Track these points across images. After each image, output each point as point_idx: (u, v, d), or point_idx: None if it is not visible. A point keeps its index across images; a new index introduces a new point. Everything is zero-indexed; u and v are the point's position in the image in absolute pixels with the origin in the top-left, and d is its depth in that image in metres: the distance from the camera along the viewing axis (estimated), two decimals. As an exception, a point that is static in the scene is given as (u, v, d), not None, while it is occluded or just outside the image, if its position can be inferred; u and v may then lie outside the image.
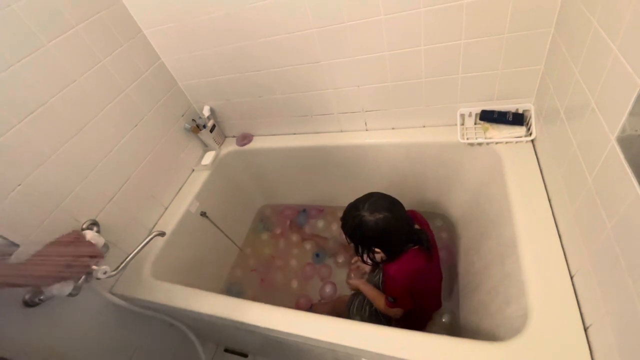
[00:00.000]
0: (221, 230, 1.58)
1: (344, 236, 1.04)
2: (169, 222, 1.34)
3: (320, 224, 1.80)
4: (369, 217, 0.93)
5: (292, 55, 1.22)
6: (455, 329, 1.21)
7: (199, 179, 1.51)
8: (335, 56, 1.19)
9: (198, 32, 1.23)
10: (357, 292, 1.27)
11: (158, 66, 1.35)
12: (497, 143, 1.17)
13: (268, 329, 0.92)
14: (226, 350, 1.52)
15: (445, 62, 1.11)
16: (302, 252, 1.72)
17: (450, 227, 1.56)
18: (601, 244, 0.64)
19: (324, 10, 1.07)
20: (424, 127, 1.34)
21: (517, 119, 1.15)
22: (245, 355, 1.48)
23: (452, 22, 1.00)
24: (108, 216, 1.12)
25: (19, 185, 0.89)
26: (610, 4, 0.63)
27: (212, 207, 1.53)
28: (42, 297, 0.91)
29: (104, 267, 0.90)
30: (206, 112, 1.52)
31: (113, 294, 1.11)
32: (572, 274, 0.80)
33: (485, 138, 1.18)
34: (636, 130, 0.53)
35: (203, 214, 1.48)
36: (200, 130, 1.50)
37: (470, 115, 1.23)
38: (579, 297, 0.76)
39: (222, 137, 1.68)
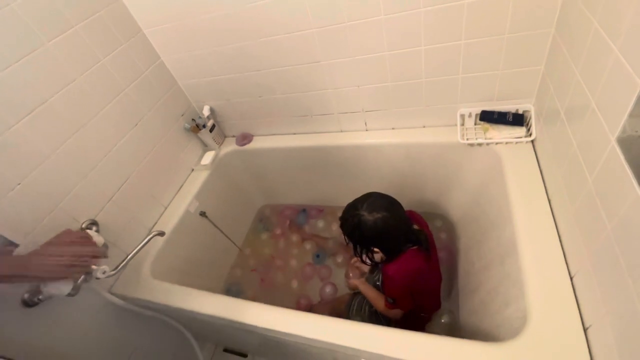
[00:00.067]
0: (221, 230, 1.58)
1: (343, 236, 1.04)
2: (169, 222, 1.34)
3: (321, 224, 1.80)
4: (368, 216, 0.94)
5: (292, 55, 1.22)
6: (455, 330, 1.21)
7: (199, 178, 1.51)
8: (336, 56, 1.19)
9: (198, 31, 1.23)
10: (357, 293, 1.26)
11: (158, 66, 1.35)
12: (497, 143, 1.17)
13: (267, 329, 0.92)
14: (225, 350, 1.52)
15: (446, 62, 1.10)
16: (302, 252, 1.72)
17: (450, 227, 1.56)
18: (601, 245, 0.64)
19: (324, 10, 1.07)
20: (424, 127, 1.34)
21: (517, 119, 1.15)
22: (245, 355, 1.48)
23: (452, 22, 1.00)
24: (107, 216, 1.12)
25: (19, 184, 0.89)
26: (611, 5, 0.63)
27: (211, 207, 1.52)
28: (41, 297, 0.90)
29: (103, 267, 0.90)
30: (206, 111, 1.52)
31: (112, 293, 1.11)
32: (572, 274, 0.80)
33: (485, 138, 1.18)
34: (636, 131, 0.53)
35: (202, 214, 1.48)
36: (200, 129, 1.50)
37: (470, 115, 1.23)
38: (579, 298, 0.76)
39: (222, 137, 1.67)
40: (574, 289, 0.78)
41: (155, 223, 1.34)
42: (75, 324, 1.04)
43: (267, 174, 1.74)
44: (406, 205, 1.02)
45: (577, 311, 0.74)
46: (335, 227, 1.74)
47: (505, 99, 1.16)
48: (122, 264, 0.98)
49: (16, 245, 0.86)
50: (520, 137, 1.14)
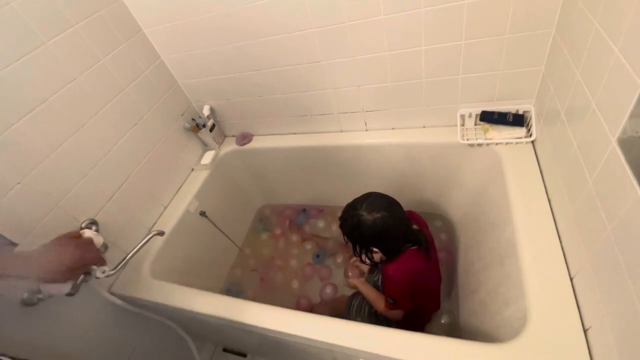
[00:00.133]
0: (220, 230, 1.58)
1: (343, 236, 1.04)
2: (168, 222, 1.34)
3: (321, 224, 1.80)
4: (367, 216, 0.93)
5: (292, 55, 1.22)
6: (455, 330, 1.21)
7: (199, 178, 1.51)
8: (336, 56, 1.19)
9: (198, 31, 1.23)
10: (357, 293, 1.26)
11: (158, 65, 1.35)
12: (497, 144, 1.17)
13: (266, 329, 0.92)
14: (225, 350, 1.52)
15: (446, 62, 1.10)
16: (302, 252, 1.72)
17: (449, 228, 1.56)
18: (601, 246, 0.64)
19: (324, 9, 1.06)
20: (424, 127, 1.34)
21: (518, 120, 1.15)
22: (244, 355, 1.48)
23: (453, 22, 1.00)
24: (107, 215, 1.12)
25: (18, 184, 0.89)
26: (611, 5, 0.63)
27: (211, 206, 1.52)
28: (40, 296, 0.90)
29: (103, 267, 0.90)
30: (206, 111, 1.52)
31: (112, 293, 1.11)
32: (572, 275, 0.80)
33: (486, 139, 1.18)
34: (637, 132, 0.53)
35: (202, 214, 1.48)
36: (200, 129, 1.50)
37: (470, 116, 1.23)
38: (579, 299, 0.76)
39: (222, 137, 1.67)
40: (574, 290, 0.78)
41: (155, 223, 1.34)
42: (75, 323, 1.04)
43: (267, 174, 1.74)
44: (406, 206, 1.02)
45: (577, 312, 0.74)
46: (335, 227, 1.74)
47: (505, 99, 1.16)
48: (121, 264, 0.98)
49: (15, 245, 0.86)
50: (521, 138, 1.13)
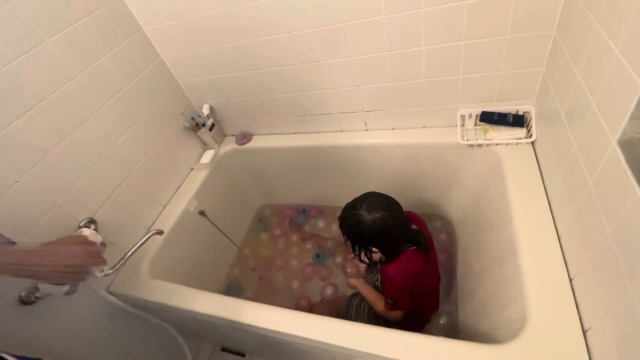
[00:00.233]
0: (220, 230, 1.58)
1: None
2: (167, 221, 1.33)
3: (321, 224, 1.80)
4: (367, 216, 0.93)
5: (292, 55, 1.22)
6: (454, 331, 1.21)
7: (198, 177, 1.51)
8: (336, 56, 1.18)
9: (198, 30, 1.22)
10: (356, 292, 1.26)
11: (157, 64, 1.34)
12: (497, 144, 1.17)
13: (265, 329, 0.92)
14: (223, 350, 1.52)
15: (446, 62, 1.10)
16: (302, 252, 1.72)
17: (449, 228, 1.56)
18: (601, 247, 0.64)
19: (324, 9, 1.06)
20: (424, 127, 1.33)
21: (518, 120, 1.15)
22: (243, 355, 1.48)
23: (453, 22, 1.00)
24: (106, 214, 1.12)
25: (17, 182, 0.88)
26: (612, 6, 0.63)
27: (211, 206, 1.52)
28: (38, 295, 0.90)
29: (102, 266, 0.89)
30: (206, 110, 1.52)
31: (110, 292, 1.10)
32: (572, 276, 0.79)
33: (485, 139, 1.18)
34: (637, 133, 0.53)
35: (202, 213, 1.48)
36: (200, 128, 1.50)
37: (470, 116, 1.22)
38: (578, 300, 0.76)
39: (222, 136, 1.67)
40: (573, 291, 0.78)
41: (154, 222, 1.34)
42: (73, 322, 1.04)
43: (267, 174, 1.74)
44: (406, 206, 1.02)
45: (577, 313, 0.74)
46: (335, 227, 1.74)
47: (505, 100, 1.16)
48: (120, 263, 0.98)
49: (13, 243, 0.86)
50: (521, 139, 1.13)
